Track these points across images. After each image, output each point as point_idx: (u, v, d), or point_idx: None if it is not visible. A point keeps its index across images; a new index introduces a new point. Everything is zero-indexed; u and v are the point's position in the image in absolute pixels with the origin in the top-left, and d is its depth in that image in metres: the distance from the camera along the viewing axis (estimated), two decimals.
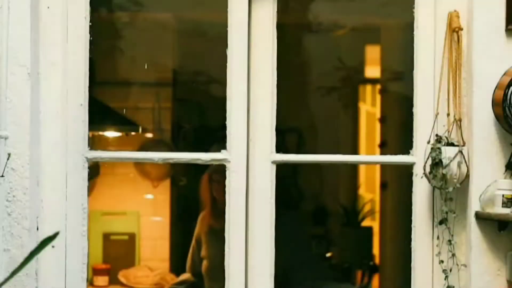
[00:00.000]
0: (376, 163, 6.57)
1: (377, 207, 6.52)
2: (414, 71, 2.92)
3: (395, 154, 3.12)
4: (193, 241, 4.31)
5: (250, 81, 2.84)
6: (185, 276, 4.33)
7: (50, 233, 1.88)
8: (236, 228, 2.81)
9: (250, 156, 2.85)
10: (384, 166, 3.35)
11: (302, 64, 6.97)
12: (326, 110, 7.09)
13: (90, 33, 2.78)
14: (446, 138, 2.81)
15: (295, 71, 6.97)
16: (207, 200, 4.23)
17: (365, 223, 6.76)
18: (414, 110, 2.92)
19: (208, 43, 4.60)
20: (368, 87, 7.63)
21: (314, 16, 5.61)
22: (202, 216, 4.29)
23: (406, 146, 3.00)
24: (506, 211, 2.73)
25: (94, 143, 2.83)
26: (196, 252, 4.23)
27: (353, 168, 7.14)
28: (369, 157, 7.02)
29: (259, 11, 2.84)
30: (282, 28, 2.83)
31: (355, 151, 7.18)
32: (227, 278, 2.80)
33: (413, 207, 2.92)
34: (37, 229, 2.72)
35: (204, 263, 4.19)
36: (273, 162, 2.86)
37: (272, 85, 2.85)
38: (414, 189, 2.92)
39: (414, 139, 2.91)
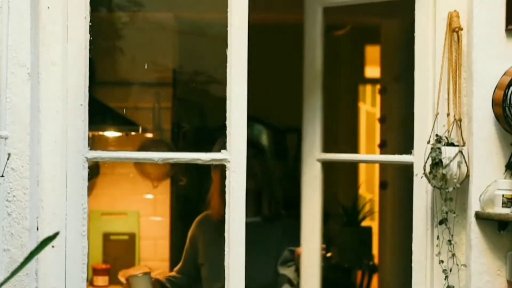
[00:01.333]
0: (379, 162, 6.56)
1: (376, 207, 6.52)
2: (414, 71, 2.92)
3: (395, 154, 3.11)
4: (187, 243, 3.88)
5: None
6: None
7: (50, 233, 1.87)
8: (236, 228, 2.80)
9: None
10: (384, 166, 3.35)
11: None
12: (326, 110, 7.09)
13: (90, 33, 2.78)
14: (446, 138, 2.80)
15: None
16: (216, 200, 3.70)
17: (365, 223, 6.76)
18: (414, 110, 2.92)
19: (208, 43, 4.61)
20: (368, 87, 7.63)
21: None
22: (202, 218, 3.86)
23: (406, 146, 3.00)
24: (506, 211, 2.73)
25: (94, 143, 2.83)
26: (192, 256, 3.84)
27: (353, 168, 7.14)
28: (369, 156, 6.99)
29: None
30: None
31: (355, 151, 7.18)
32: (227, 278, 2.79)
33: (413, 207, 2.92)
34: (37, 229, 2.72)
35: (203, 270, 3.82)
36: None
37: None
38: (414, 189, 2.91)
39: (414, 139, 2.91)
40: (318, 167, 3.32)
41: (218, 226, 3.21)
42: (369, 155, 7.35)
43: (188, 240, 3.78)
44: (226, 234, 2.80)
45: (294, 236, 3.51)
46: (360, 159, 5.81)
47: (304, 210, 3.40)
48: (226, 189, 2.81)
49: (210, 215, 3.66)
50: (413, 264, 2.92)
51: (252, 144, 3.38)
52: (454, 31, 2.83)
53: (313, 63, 3.35)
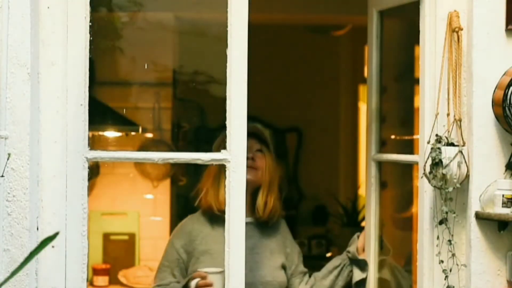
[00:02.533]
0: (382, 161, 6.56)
1: None
2: (415, 71, 2.92)
3: (393, 153, 3.11)
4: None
5: None
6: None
7: (50, 233, 1.87)
8: (236, 228, 2.79)
9: None
10: (384, 166, 3.36)
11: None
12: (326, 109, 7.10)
13: (90, 33, 2.77)
14: (446, 138, 2.80)
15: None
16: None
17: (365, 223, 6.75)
18: (415, 110, 2.92)
19: (208, 43, 4.60)
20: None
21: None
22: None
23: (405, 146, 3.00)
24: (506, 211, 2.73)
25: (94, 143, 2.81)
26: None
27: (353, 167, 7.14)
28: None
29: None
30: None
31: (355, 151, 7.18)
32: (227, 278, 2.79)
33: (418, 207, 2.92)
34: (37, 229, 2.71)
35: None
36: None
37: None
38: (414, 189, 2.91)
39: (415, 139, 2.91)
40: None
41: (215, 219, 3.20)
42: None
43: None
44: (226, 234, 2.80)
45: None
46: None
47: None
48: (226, 189, 2.80)
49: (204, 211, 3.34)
50: (419, 263, 2.93)
51: (258, 137, 3.36)
52: (454, 31, 2.83)
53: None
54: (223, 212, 2.83)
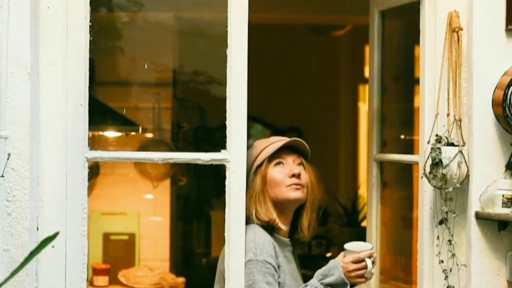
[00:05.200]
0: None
1: None
2: (415, 71, 2.92)
3: (393, 153, 3.10)
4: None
5: None
6: None
7: (50, 233, 1.87)
8: (236, 228, 2.78)
9: None
10: (384, 166, 3.36)
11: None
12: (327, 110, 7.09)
13: (90, 33, 2.77)
14: (446, 138, 2.80)
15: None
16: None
17: (365, 223, 6.74)
18: (415, 110, 2.92)
19: (208, 43, 4.59)
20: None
21: None
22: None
23: (405, 146, 2.99)
24: (506, 211, 2.73)
25: (94, 143, 2.80)
26: None
27: (353, 167, 7.13)
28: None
29: None
30: None
31: (355, 151, 7.17)
32: (227, 279, 2.78)
33: (419, 207, 2.92)
34: (37, 229, 2.71)
35: None
36: None
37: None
38: (419, 189, 2.92)
39: (415, 139, 2.91)
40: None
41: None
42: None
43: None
44: (226, 234, 2.79)
45: None
46: None
47: None
48: (226, 189, 2.79)
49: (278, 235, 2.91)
50: (419, 263, 2.93)
51: (298, 150, 2.97)
52: (454, 31, 2.83)
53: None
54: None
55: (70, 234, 2.74)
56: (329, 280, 2.71)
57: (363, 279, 2.74)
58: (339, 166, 7.07)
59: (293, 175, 2.82)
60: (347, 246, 2.77)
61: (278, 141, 2.88)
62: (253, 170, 2.86)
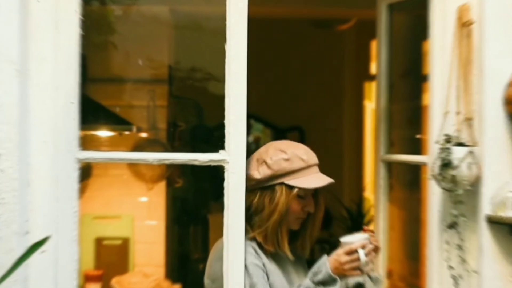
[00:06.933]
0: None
1: None
2: (423, 68, 2.90)
3: (400, 154, 3.09)
4: None
5: None
6: None
7: (40, 238, 1.83)
8: (235, 229, 2.75)
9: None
10: (390, 167, 3.40)
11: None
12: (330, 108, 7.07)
13: (81, 27, 2.74)
14: (456, 137, 2.76)
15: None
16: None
17: (371, 227, 6.74)
18: (424, 108, 2.89)
19: (205, 37, 4.60)
20: (374, 85, 7.61)
21: None
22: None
23: (413, 146, 2.98)
24: None
25: (85, 143, 2.79)
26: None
27: (358, 168, 7.11)
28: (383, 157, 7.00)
29: None
30: None
31: (360, 151, 7.16)
32: (226, 279, 2.75)
33: (428, 210, 2.89)
34: (27, 233, 2.67)
35: None
36: None
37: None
38: (429, 190, 2.89)
39: (424, 139, 2.89)
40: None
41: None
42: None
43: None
44: (224, 238, 2.76)
45: None
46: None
47: None
48: (225, 191, 2.76)
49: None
50: (428, 269, 2.91)
51: None
52: (464, 25, 2.79)
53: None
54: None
55: (60, 238, 2.70)
56: (318, 278, 2.69)
57: (358, 271, 2.68)
58: (343, 167, 7.06)
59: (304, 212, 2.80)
60: (342, 238, 2.73)
61: (313, 167, 2.83)
62: (276, 181, 2.80)
